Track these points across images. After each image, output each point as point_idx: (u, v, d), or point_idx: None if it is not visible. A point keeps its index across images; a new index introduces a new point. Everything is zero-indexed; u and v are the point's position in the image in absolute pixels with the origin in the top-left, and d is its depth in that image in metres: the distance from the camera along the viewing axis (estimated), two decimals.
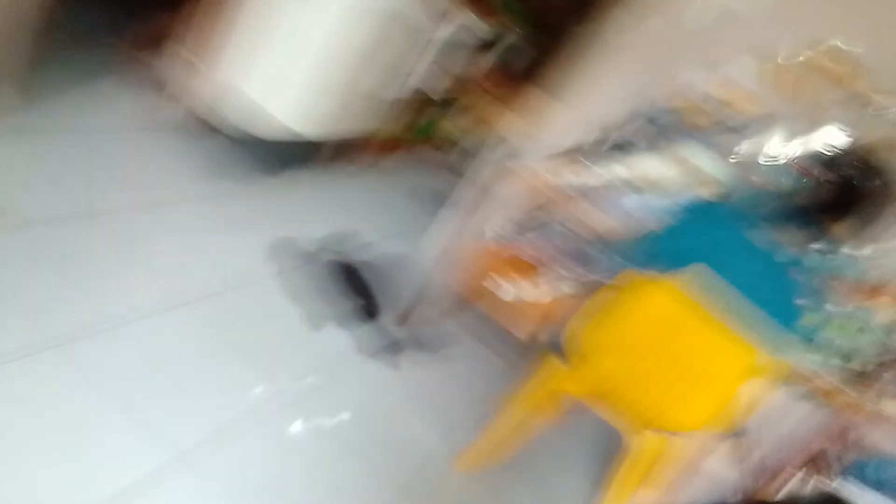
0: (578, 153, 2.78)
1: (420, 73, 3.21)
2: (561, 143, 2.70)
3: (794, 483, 2.18)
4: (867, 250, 2.33)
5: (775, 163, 2.37)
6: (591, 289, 2.65)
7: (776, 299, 1.79)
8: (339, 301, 2.46)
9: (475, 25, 3.28)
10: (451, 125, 4.28)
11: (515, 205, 2.88)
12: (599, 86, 2.93)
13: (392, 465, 1.97)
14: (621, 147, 2.71)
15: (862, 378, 2.09)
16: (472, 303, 2.54)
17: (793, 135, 2.54)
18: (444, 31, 3.10)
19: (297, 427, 1.91)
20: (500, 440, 2.06)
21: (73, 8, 3.20)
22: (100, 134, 2.46)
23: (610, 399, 1.91)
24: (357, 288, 2.61)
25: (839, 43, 2.47)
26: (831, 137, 2.28)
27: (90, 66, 2.80)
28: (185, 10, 3.01)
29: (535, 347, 2.70)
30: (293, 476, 1.75)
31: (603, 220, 2.32)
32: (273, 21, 2.55)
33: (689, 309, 1.74)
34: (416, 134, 4.18)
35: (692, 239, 1.88)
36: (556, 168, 2.47)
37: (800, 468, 2.23)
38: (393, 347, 2.46)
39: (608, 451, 2.64)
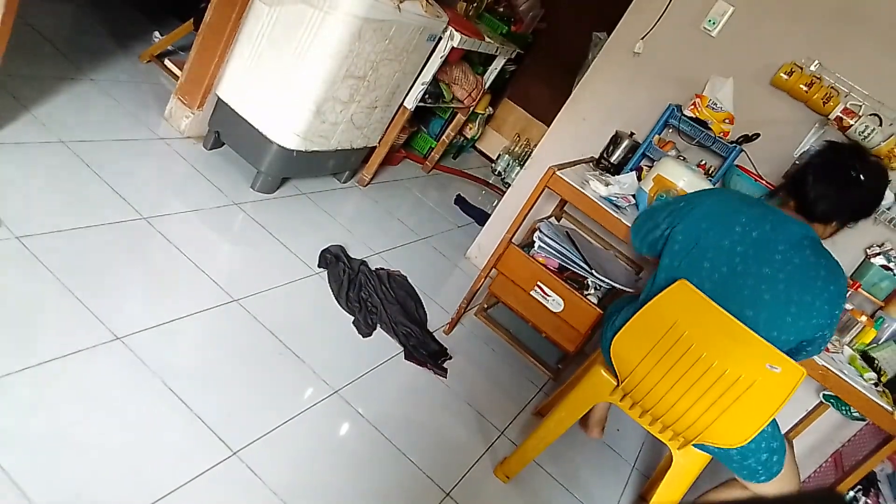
0: (593, 164, 2.74)
1: (421, 86, 3.19)
2: (570, 156, 2.67)
3: None
4: None
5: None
6: (627, 300, 2.60)
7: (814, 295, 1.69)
8: (383, 308, 2.49)
9: (470, 43, 3.29)
10: (457, 136, 4.24)
11: (549, 213, 2.84)
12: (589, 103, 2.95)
13: (436, 470, 1.99)
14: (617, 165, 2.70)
15: None
16: (517, 312, 2.55)
17: None
18: (445, 48, 3.11)
19: (345, 429, 1.96)
20: (543, 448, 2.07)
21: (82, 21, 3.21)
22: (106, 146, 2.43)
23: (654, 413, 1.84)
24: (403, 294, 2.63)
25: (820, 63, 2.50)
26: None
27: (98, 78, 2.80)
28: (190, 25, 3.03)
29: (580, 358, 2.72)
30: (341, 476, 1.80)
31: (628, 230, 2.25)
32: (273, 36, 2.54)
33: (727, 321, 1.66)
34: (424, 145, 4.15)
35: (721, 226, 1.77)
36: (583, 177, 2.41)
37: (849, 488, 2.15)
38: (440, 354, 2.47)
39: (648, 457, 2.67)
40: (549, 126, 3.15)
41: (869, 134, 2.40)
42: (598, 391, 1.95)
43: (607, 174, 2.61)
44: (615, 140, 2.73)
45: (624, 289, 2.44)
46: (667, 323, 1.73)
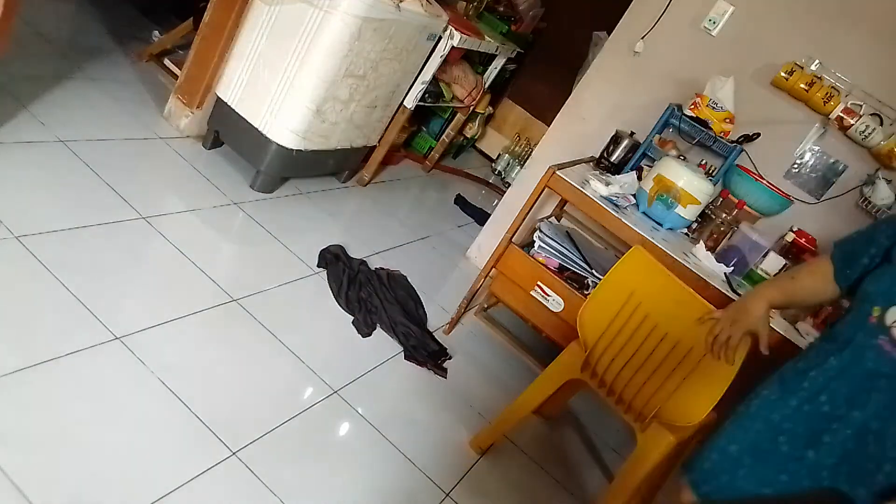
0: (594, 164, 2.73)
1: (421, 86, 3.20)
2: (570, 155, 2.67)
3: None
4: None
5: None
6: None
7: None
8: (383, 307, 2.48)
9: (470, 42, 3.30)
10: (457, 136, 4.24)
11: (550, 213, 2.84)
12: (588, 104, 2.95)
13: (436, 470, 1.99)
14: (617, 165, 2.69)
15: None
16: (517, 312, 2.55)
17: None
18: (444, 47, 3.12)
19: (345, 429, 1.96)
20: (515, 421, 2.08)
21: (81, 20, 3.21)
22: (106, 145, 2.42)
23: (614, 388, 1.80)
24: (403, 294, 2.62)
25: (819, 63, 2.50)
26: None
27: (97, 77, 2.80)
28: (190, 24, 3.02)
29: None
30: (341, 476, 1.80)
31: (629, 230, 2.25)
32: (273, 35, 2.54)
33: (676, 286, 1.63)
34: (424, 145, 4.14)
35: None
36: (583, 177, 2.40)
37: None
38: (440, 354, 2.46)
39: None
40: (549, 126, 3.14)
41: (869, 133, 2.40)
42: (572, 365, 1.93)
43: (608, 174, 2.61)
44: (615, 140, 2.73)
45: None
46: (625, 292, 1.71)
